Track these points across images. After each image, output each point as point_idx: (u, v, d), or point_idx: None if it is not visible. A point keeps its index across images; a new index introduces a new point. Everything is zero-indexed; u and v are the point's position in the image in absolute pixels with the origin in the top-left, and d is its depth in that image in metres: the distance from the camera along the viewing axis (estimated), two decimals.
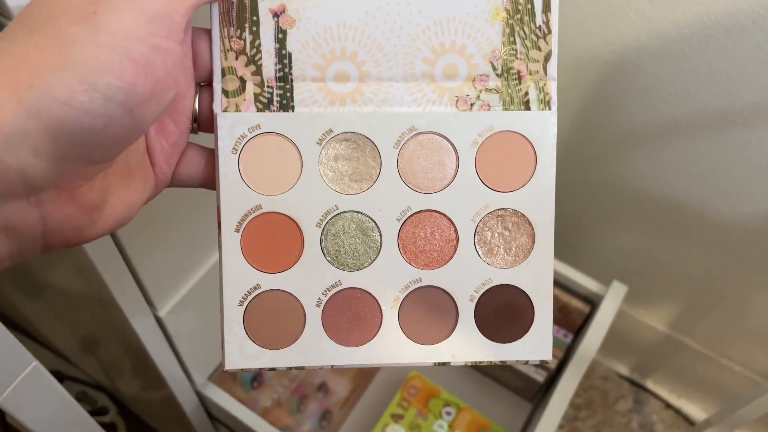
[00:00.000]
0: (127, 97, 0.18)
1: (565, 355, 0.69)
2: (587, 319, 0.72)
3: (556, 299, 0.72)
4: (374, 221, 0.26)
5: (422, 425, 0.67)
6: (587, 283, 0.72)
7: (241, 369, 0.26)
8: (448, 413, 0.69)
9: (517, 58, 0.26)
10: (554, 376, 0.69)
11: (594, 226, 0.83)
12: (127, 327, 0.46)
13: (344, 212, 0.26)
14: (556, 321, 0.73)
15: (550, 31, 0.26)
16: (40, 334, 0.80)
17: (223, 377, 0.68)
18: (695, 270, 0.78)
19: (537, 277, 0.27)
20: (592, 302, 0.72)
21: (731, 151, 0.64)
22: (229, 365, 0.26)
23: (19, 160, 0.17)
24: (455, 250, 0.27)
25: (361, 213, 0.26)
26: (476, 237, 0.27)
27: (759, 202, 0.66)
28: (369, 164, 0.26)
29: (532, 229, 0.27)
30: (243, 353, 0.26)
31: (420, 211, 0.27)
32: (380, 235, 0.27)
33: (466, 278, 0.27)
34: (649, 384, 0.97)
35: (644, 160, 0.71)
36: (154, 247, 0.44)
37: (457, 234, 0.27)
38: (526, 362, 0.28)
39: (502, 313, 0.28)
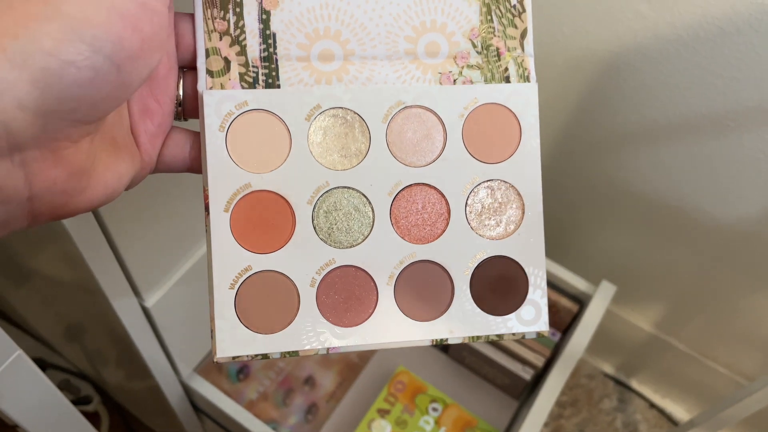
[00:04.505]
0: (114, 50, 0.18)
1: (552, 353, 0.70)
2: (575, 318, 0.72)
3: None
4: (366, 197, 0.26)
5: (408, 421, 0.67)
6: (576, 282, 0.72)
7: (233, 357, 0.25)
8: (435, 409, 0.68)
9: (495, 36, 0.27)
10: (541, 374, 0.70)
11: (584, 226, 0.83)
12: (112, 316, 0.46)
13: (335, 188, 0.26)
14: None
15: (524, 10, 0.27)
16: (24, 320, 0.79)
17: (209, 369, 0.68)
18: (684, 271, 0.79)
19: (529, 247, 0.28)
20: (581, 301, 0.73)
21: (724, 154, 0.64)
22: (221, 353, 0.25)
23: (2, 113, 0.17)
24: (447, 224, 0.27)
25: (353, 189, 0.26)
26: (467, 209, 0.27)
27: (750, 205, 0.66)
28: (358, 139, 0.26)
29: (521, 200, 0.28)
30: (235, 339, 0.25)
31: (410, 185, 0.27)
32: (372, 211, 0.26)
33: (460, 251, 0.27)
34: (634, 383, 0.98)
35: (636, 160, 0.71)
36: (142, 237, 0.43)
37: (448, 207, 0.27)
38: (523, 336, 0.28)
39: (497, 285, 0.27)
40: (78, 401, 0.84)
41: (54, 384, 0.41)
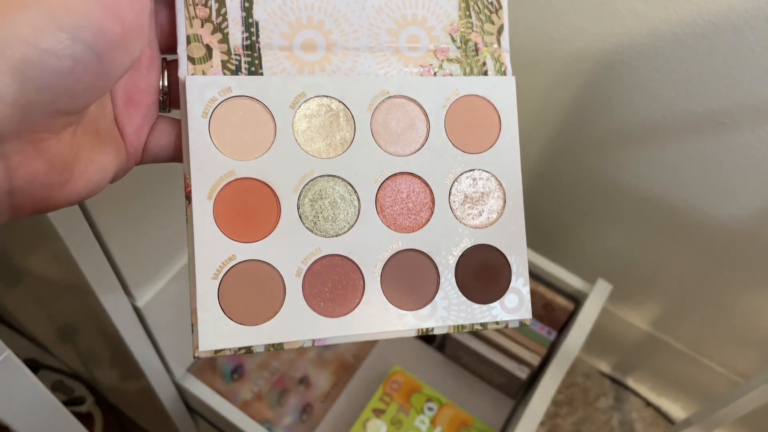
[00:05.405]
0: (95, 39, 0.18)
1: (548, 352, 0.69)
2: (571, 316, 0.72)
3: (541, 296, 0.72)
4: (352, 185, 0.26)
5: (404, 420, 0.67)
6: (572, 280, 0.72)
7: (216, 351, 0.24)
8: (430, 409, 0.68)
9: (473, 31, 0.28)
10: (537, 373, 0.69)
11: (580, 224, 0.83)
12: (104, 316, 0.45)
13: (321, 176, 0.26)
14: (540, 318, 0.73)
15: (500, 7, 0.28)
16: (17, 321, 0.78)
17: (203, 369, 0.67)
18: (679, 270, 0.79)
19: (510, 235, 0.28)
20: (577, 300, 0.72)
21: (719, 152, 0.64)
22: (204, 346, 0.24)
23: None
24: (432, 213, 0.27)
25: (338, 177, 0.26)
26: (451, 198, 0.27)
27: (745, 204, 0.66)
28: (343, 128, 0.26)
29: (502, 189, 0.28)
30: (218, 332, 0.24)
31: (395, 174, 0.27)
32: (358, 200, 0.26)
33: (444, 240, 0.27)
34: (630, 382, 0.98)
35: (632, 159, 0.71)
36: (133, 235, 0.43)
37: (432, 196, 0.27)
38: (506, 325, 0.28)
39: (481, 273, 0.28)
40: (71, 402, 0.83)
41: (47, 385, 0.40)
